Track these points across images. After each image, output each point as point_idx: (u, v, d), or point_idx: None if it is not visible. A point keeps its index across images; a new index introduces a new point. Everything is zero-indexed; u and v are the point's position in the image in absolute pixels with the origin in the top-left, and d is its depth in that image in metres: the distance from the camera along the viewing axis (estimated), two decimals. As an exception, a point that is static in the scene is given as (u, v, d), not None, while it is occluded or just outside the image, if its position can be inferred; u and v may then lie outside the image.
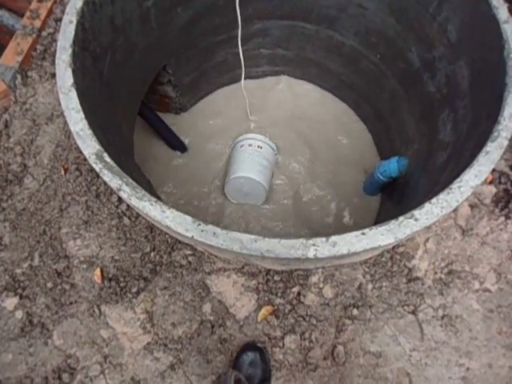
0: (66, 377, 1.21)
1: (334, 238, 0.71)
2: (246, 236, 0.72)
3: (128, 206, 1.36)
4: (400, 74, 1.52)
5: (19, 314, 1.27)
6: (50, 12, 1.59)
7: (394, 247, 1.33)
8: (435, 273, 1.32)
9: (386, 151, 1.81)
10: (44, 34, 1.56)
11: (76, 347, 1.24)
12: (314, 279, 1.30)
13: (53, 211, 1.37)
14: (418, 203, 0.77)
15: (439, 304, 1.29)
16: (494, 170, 1.41)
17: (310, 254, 0.71)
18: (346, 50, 1.67)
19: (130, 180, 0.79)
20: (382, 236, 0.72)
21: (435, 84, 1.29)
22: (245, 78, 1.70)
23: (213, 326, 1.26)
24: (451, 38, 1.16)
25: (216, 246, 0.72)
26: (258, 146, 1.75)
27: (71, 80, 0.88)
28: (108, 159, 0.80)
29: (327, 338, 1.25)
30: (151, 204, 0.76)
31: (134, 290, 1.28)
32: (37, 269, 1.31)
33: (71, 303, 1.28)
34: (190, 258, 1.31)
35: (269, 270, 1.30)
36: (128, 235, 1.34)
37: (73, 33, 0.92)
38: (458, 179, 0.78)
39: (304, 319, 1.26)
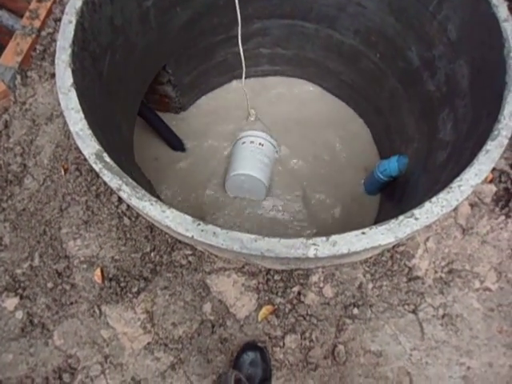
0: (66, 377, 1.21)
1: (334, 238, 0.71)
2: (246, 235, 0.72)
3: (128, 205, 1.36)
4: (400, 73, 1.52)
5: (19, 314, 1.27)
6: (50, 12, 1.59)
7: (394, 246, 1.33)
8: (435, 272, 1.32)
9: (386, 150, 1.81)
10: (43, 34, 1.56)
11: (76, 347, 1.25)
12: (314, 278, 1.30)
13: (53, 211, 1.37)
14: (418, 202, 0.77)
15: (440, 303, 1.29)
16: (494, 169, 1.41)
17: (310, 254, 0.71)
18: (345, 49, 1.67)
19: (130, 180, 0.79)
20: (383, 235, 0.72)
21: (435, 83, 1.29)
22: (245, 78, 1.70)
23: (213, 326, 1.26)
24: (451, 36, 1.16)
25: (216, 246, 0.72)
26: (260, 144, 1.76)
27: (71, 80, 0.88)
28: (108, 159, 0.80)
29: (328, 337, 1.25)
30: (151, 204, 0.76)
31: (135, 289, 1.28)
32: (37, 269, 1.31)
33: (71, 303, 1.28)
34: (190, 258, 1.31)
35: (269, 270, 1.30)
36: (128, 235, 1.34)
37: (72, 33, 0.92)
38: (458, 178, 0.78)
39: (304, 319, 1.26)
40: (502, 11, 0.94)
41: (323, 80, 1.98)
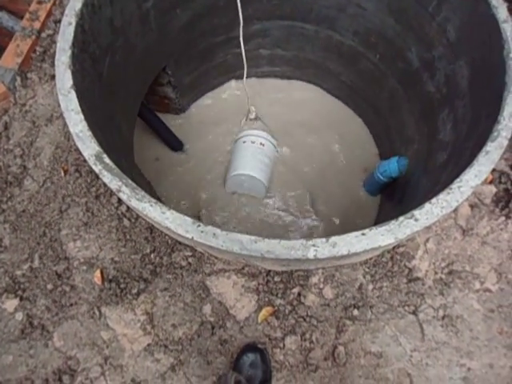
0: (66, 378, 1.21)
1: (333, 239, 0.71)
2: (245, 237, 0.72)
3: (128, 207, 1.36)
4: (399, 74, 1.52)
5: (19, 315, 1.27)
6: (50, 14, 1.59)
7: (394, 247, 1.33)
8: (436, 273, 1.32)
9: (386, 151, 1.81)
10: (43, 35, 1.57)
11: (76, 349, 1.24)
12: (314, 280, 1.30)
13: (53, 213, 1.37)
14: (418, 203, 0.77)
15: (440, 304, 1.28)
16: (494, 170, 1.41)
17: (310, 255, 0.71)
18: (345, 50, 1.67)
19: (130, 181, 0.79)
20: (382, 236, 0.72)
21: (435, 84, 1.29)
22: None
23: (213, 327, 1.26)
24: (450, 37, 1.16)
25: (216, 247, 0.72)
26: (261, 143, 1.76)
27: (71, 81, 0.88)
28: (108, 160, 0.80)
29: (328, 338, 1.25)
30: (151, 205, 0.76)
31: (134, 291, 1.28)
32: (37, 270, 1.31)
33: (71, 305, 1.28)
34: (190, 259, 1.31)
35: (269, 271, 1.30)
36: (128, 236, 1.34)
37: (72, 34, 0.92)
38: (458, 179, 0.78)
39: (304, 320, 1.26)
40: (501, 12, 0.94)
41: (323, 81, 1.98)
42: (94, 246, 1.33)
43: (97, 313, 1.27)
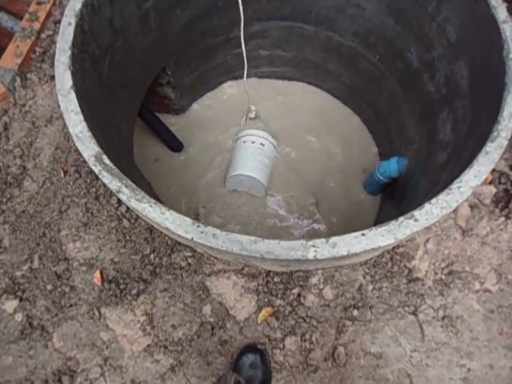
0: (66, 379, 1.21)
1: (333, 239, 0.71)
2: (245, 237, 0.72)
3: (127, 207, 1.36)
4: (399, 75, 1.52)
5: (19, 316, 1.26)
6: (49, 14, 1.59)
7: (394, 248, 1.33)
8: (435, 273, 1.31)
9: (386, 151, 1.81)
10: (43, 36, 1.57)
11: (76, 350, 1.24)
12: (314, 280, 1.30)
13: (52, 213, 1.37)
14: (417, 203, 0.77)
15: (440, 305, 1.28)
16: (493, 170, 1.41)
17: (310, 256, 0.70)
18: (345, 51, 1.67)
19: (130, 182, 0.79)
20: (382, 237, 0.72)
21: (435, 84, 1.29)
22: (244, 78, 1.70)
23: (213, 328, 1.26)
24: (450, 38, 1.16)
25: (216, 248, 0.72)
26: (261, 144, 1.77)
27: (70, 82, 0.88)
28: (107, 161, 0.80)
29: (327, 339, 1.25)
30: (150, 206, 0.76)
31: (134, 292, 1.28)
32: (36, 271, 1.31)
33: (71, 305, 1.28)
34: (189, 260, 1.31)
35: (269, 272, 1.30)
36: (128, 237, 1.34)
37: (72, 35, 0.92)
38: (458, 179, 0.78)
39: (304, 320, 1.26)
40: (500, 12, 0.94)
41: (323, 81, 1.98)
42: (94, 247, 1.33)
43: (96, 313, 1.26)
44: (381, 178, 1.58)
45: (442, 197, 0.76)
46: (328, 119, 1.98)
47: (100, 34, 1.06)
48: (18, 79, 1.50)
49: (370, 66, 1.63)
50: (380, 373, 1.22)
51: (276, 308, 1.27)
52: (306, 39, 1.71)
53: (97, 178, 1.39)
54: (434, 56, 1.26)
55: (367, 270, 1.31)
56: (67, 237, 1.34)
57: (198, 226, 0.73)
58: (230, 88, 2.04)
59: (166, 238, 1.34)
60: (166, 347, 1.24)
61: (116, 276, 1.30)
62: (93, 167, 0.80)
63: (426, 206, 0.75)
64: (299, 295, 1.28)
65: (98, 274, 1.29)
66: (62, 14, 1.57)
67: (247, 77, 1.63)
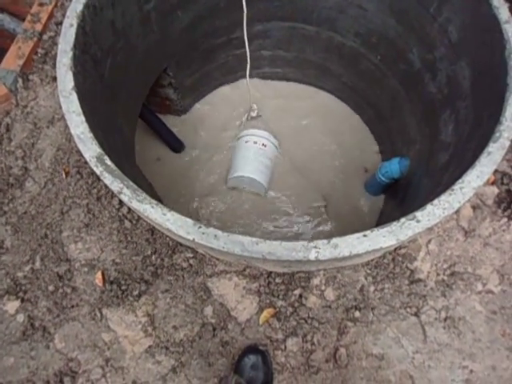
0: (67, 380, 1.21)
1: (335, 240, 0.71)
2: (247, 238, 0.71)
3: (129, 208, 1.36)
4: (401, 75, 1.51)
5: (21, 317, 1.27)
6: (51, 16, 1.60)
7: (395, 249, 1.33)
8: (437, 274, 1.31)
9: (388, 152, 1.81)
10: (45, 37, 1.57)
11: (77, 350, 1.24)
12: (315, 281, 1.29)
13: (54, 214, 1.37)
14: (419, 204, 0.76)
15: (442, 306, 1.28)
16: (496, 171, 1.41)
17: (312, 256, 0.70)
18: (346, 52, 1.67)
19: (131, 183, 0.79)
20: (384, 238, 0.72)
21: (436, 85, 1.29)
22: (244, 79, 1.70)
23: (214, 329, 1.25)
24: (452, 38, 1.16)
25: (217, 249, 0.72)
26: (263, 144, 1.77)
27: (72, 83, 0.88)
28: (109, 162, 0.80)
29: (329, 340, 1.24)
30: (152, 207, 0.76)
31: (136, 293, 1.28)
32: (38, 272, 1.31)
33: (72, 306, 1.28)
34: (191, 261, 1.31)
35: (270, 273, 1.30)
36: (129, 238, 1.34)
37: (73, 36, 0.92)
38: (460, 180, 0.78)
39: (306, 322, 1.25)
40: (502, 13, 0.94)
41: (324, 82, 1.98)
42: (96, 248, 1.33)
43: (98, 314, 1.26)
44: (382, 178, 1.58)
45: (444, 198, 0.76)
46: (329, 119, 1.97)
47: (102, 36, 1.06)
48: (20, 80, 1.50)
49: (371, 67, 1.63)
50: (382, 374, 1.22)
51: (277, 309, 1.27)
52: (307, 40, 1.71)
53: (98, 179, 1.39)
54: (435, 56, 1.26)
55: (369, 271, 1.31)
56: (69, 238, 1.35)
57: (200, 227, 0.73)
58: (231, 89, 2.04)
59: (168, 238, 1.34)
60: (167, 348, 1.24)
61: (117, 277, 1.30)
62: (94, 168, 0.80)
63: (428, 206, 0.75)
64: (301, 296, 1.28)
65: (99, 274, 1.29)
66: (63, 15, 1.57)
67: (249, 77, 1.63)
